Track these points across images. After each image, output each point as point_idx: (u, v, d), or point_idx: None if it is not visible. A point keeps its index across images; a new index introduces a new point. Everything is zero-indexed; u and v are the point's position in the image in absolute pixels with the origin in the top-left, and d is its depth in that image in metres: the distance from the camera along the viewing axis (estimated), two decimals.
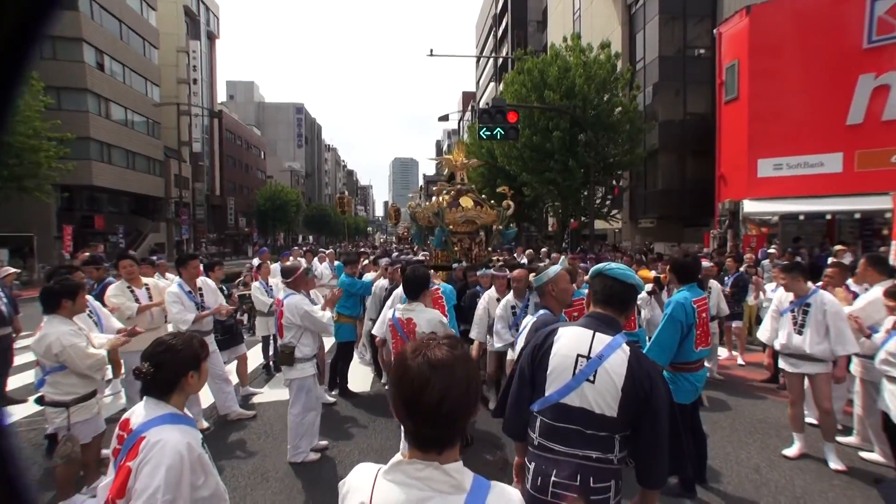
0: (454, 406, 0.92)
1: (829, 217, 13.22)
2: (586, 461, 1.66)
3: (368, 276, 6.41)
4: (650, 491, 1.74)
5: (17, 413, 4.83)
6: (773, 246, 10.39)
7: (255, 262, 7.40)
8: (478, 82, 51.50)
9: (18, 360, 5.45)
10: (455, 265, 6.15)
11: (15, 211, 18.80)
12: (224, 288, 6.21)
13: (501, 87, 23.10)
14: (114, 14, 28.07)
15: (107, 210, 28.65)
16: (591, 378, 1.68)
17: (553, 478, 1.68)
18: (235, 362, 5.52)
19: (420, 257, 7.93)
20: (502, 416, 2.02)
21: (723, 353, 6.75)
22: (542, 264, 6.58)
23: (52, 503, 3.11)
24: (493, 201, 7.76)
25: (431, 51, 20.37)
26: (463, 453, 0.99)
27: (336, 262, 9.79)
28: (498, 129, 12.17)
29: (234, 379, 5.40)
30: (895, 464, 3.46)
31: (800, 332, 3.80)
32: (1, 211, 17.82)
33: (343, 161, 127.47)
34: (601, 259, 10.79)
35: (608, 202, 19.11)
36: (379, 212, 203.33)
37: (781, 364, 4.10)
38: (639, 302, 4.68)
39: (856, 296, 4.46)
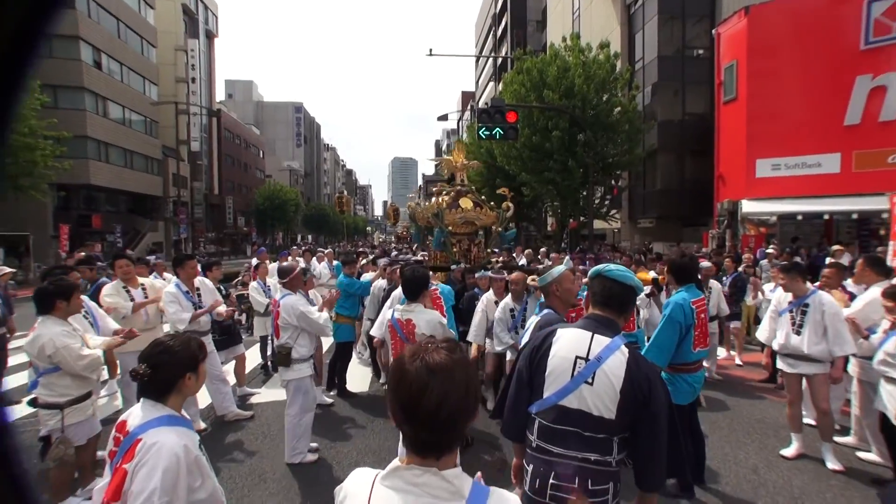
0: (453, 411, 0.91)
1: (826, 217, 13.26)
2: (585, 463, 1.66)
3: (367, 276, 6.41)
4: (648, 494, 1.74)
5: (10, 415, 4.80)
6: (771, 246, 10.41)
7: (254, 261, 7.38)
8: (477, 82, 51.50)
9: (12, 360, 5.42)
10: (454, 266, 6.14)
11: (11, 210, 18.73)
12: (222, 288, 6.20)
13: (501, 86, 23.11)
14: (111, 12, 27.97)
15: (104, 209, 28.55)
16: (590, 380, 1.68)
17: (551, 480, 1.67)
18: (233, 362, 5.50)
19: (419, 257, 7.92)
20: (500, 417, 2.01)
21: (721, 352, 6.76)
22: (540, 266, 6.58)
23: None
24: (492, 203, 7.75)
25: (431, 50, 20.37)
26: (462, 454, 0.98)
27: (335, 262, 9.78)
28: (497, 128, 12.16)
29: (232, 379, 5.38)
30: (892, 464, 3.46)
31: (798, 333, 3.81)
32: None
33: (342, 160, 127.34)
34: (600, 259, 10.80)
35: (607, 202, 19.12)
36: (378, 211, 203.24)
37: (780, 364, 4.11)
38: (637, 302, 4.68)
39: (852, 296, 4.47)
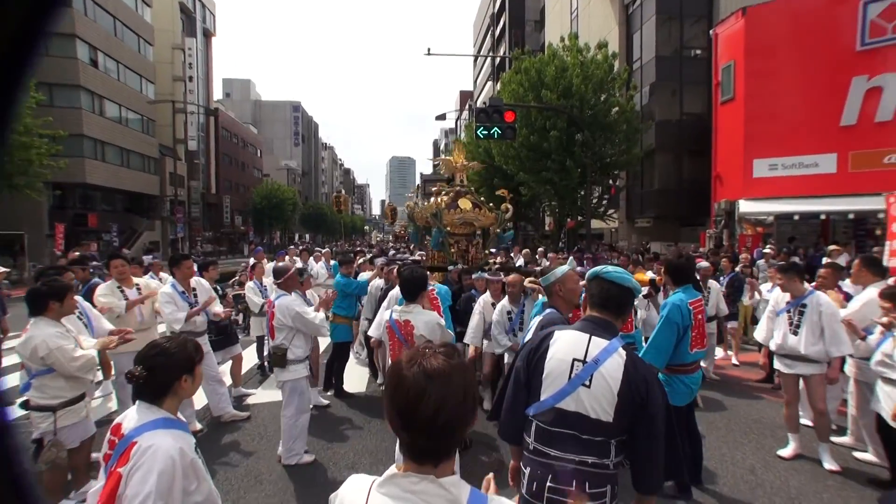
0: (451, 417, 0.90)
1: (823, 217, 13.32)
2: (582, 466, 1.65)
3: (364, 276, 6.39)
4: (646, 496, 1.73)
5: (10, 414, 4.76)
6: (768, 246, 10.44)
7: (251, 261, 7.36)
8: (475, 81, 51.47)
9: (6, 361, 5.36)
10: (451, 267, 6.13)
11: (6, 208, 18.59)
12: (219, 288, 6.17)
13: (499, 86, 23.10)
14: (108, 10, 27.80)
15: (100, 208, 28.40)
16: (587, 382, 1.67)
17: (549, 483, 1.66)
18: (230, 362, 5.48)
19: (416, 257, 7.90)
20: (498, 419, 2.00)
21: (718, 352, 6.78)
22: (538, 268, 6.57)
23: None
24: (491, 203, 7.74)
25: (429, 50, 20.31)
26: (460, 456, 0.97)
27: (332, 262, 9.76)
28: (495, 128, 12.16)
29: (228, 380, 5.36)
30: (888, 464, 3.48)
31: (795, 333, 3.82)
32: None
33: (340, 159, 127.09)
34: (598, 258, 10.80)
35: (605, 202, 19.15)
36: (376, 210, 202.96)
37: (777, 365, 4.12)
38: (635, 303, 4.68)
39: (848, 297, 4.48)
